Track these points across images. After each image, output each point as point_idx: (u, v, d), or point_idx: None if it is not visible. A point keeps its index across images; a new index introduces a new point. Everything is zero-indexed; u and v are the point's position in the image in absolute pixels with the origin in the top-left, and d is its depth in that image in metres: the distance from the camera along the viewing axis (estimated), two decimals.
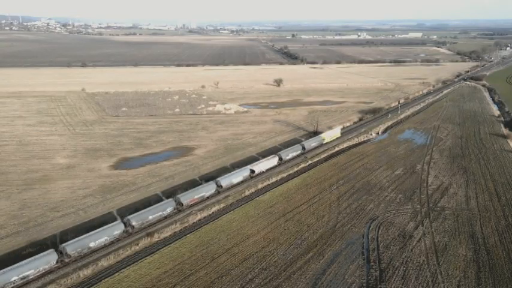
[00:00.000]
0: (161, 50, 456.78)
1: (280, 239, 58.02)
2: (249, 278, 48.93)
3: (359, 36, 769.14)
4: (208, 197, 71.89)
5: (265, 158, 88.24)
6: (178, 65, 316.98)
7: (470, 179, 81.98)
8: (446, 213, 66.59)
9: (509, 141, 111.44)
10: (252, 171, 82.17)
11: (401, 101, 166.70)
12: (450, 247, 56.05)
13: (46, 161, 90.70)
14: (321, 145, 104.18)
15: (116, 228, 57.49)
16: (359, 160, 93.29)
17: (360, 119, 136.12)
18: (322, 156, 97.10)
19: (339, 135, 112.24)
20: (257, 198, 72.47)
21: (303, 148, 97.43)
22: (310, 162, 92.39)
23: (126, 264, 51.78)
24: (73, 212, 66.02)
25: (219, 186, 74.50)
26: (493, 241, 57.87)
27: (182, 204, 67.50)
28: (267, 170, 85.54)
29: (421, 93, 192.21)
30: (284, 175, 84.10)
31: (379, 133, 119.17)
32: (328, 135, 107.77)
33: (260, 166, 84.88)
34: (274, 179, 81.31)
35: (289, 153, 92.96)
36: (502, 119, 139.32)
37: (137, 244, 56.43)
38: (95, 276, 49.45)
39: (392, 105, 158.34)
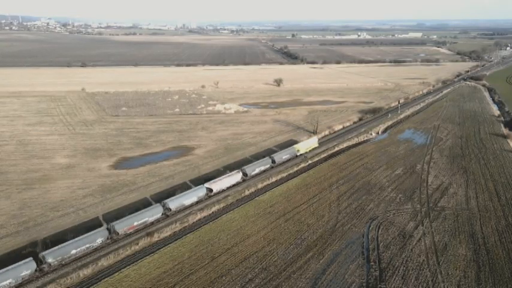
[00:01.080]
0: (161, 50, 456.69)
1: (280, 238, 58.01)
2: (249, 277, 48.91)
3: (359, 36, 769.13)
4: (153, 222, 62.22)
5: (227, 174, 78.24)
6: (178, 65, 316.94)
7: (470, 179, 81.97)
8: (446, 213, 66.58)
9: (509, 141, 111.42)
10: (210, 189, 72.57)
11: (401, 100, 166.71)
12: (450, 247, 56.04)
13: (46, 160, 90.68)
14: (295, 157, 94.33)
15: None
16: (359, 160, 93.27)
17: (360, 119, 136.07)
18: (322, 156, 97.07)
19: (316, 145, 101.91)
20: (257, 198, 72.44)
21: (273, 161, 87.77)
22: (310, 162, 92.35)
23: (126, 264, 51.77)
24: (73, 211, 66.00)
25: (167, 209, 64.68)
26: (493, 241, 57.86)
27: (118, 233, 57.92)
28: (229, 188, 75.69)
29: (421, 93, 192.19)
30: (284, 175, 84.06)
31: (379, 133, 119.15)
32: (303, 146, 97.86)
33: (219, 184, 74.60)
34: (274, 179, 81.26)
35: (255, 168, 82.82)
36: (502, 118, 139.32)
37: (137, 244, 56.42)
38: (95, 275, 49.45)
39: (392, 105, 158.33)
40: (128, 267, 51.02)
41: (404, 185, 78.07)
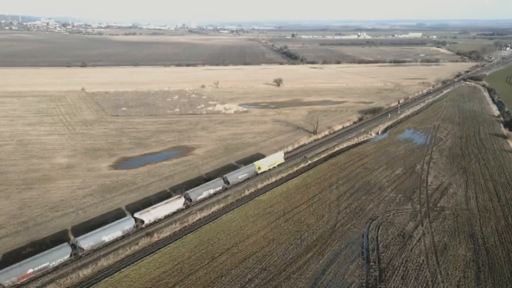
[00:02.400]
0: (161, 50, 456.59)
1: (279, 238, 58.01)
2: (249, 277, 48.92)
3: (359, 36, 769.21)
4: (57, 266, 50.99)
5: (164, 201, 65.56)
6: (178, 65, 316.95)
7: (470, 179, 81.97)
8: (446, 213, 66.59)
9: (509, 141, 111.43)
10: (141, 221, 60.73)
11: (401, 101, 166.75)
12: (450, 247, 56.06)
13: (46, 160, 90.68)
14: (255, 176, 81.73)
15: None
16: (359, 160, 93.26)
17: (360, 119, 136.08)
18: (322, 156, 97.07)
19: (282, 160, 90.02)
20: (257, 198, 72.44)
21: (226, 182, 75.65)
22: (310, 162, 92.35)
23: (126, 264, 51.78)
24: (72, 211, 66.00)
25: (79, 248, 53.06)
26: (492, 241, 57.88)
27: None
28: (166, 217, 63.96)
29: (420, 93, 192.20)
30: (284, 175, 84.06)
31: (379, 133, 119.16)
32: (266, 163, 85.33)
33: (154, 213, 62.60)
34: (274, 179, 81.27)
35: (202, 192, 70.48)
36: (502, 119, 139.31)
37: (137, 244, 56.44)
38: (95, 275, 49.45)
39: (392, 105, 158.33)
40: (128, 267, 51.04)
41: (404, 185, 78.07)
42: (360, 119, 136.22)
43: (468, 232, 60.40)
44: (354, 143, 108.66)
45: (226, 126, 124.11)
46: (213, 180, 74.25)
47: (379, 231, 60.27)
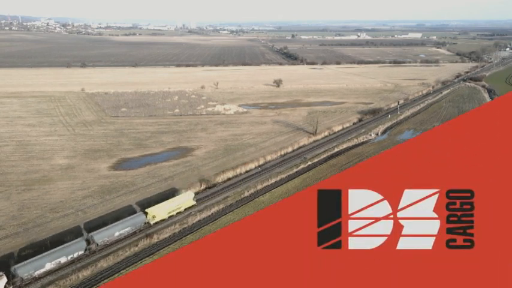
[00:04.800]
0: (161, 50, 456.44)
1: None
2: None
3: (359, 36, 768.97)
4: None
5: None
6: (178, 65, 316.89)
7: None
8: None
9: None
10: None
11: (401, 101, 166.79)
12: None
13: (45, 161, 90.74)
14: (148, 227, 61.92)
15: None
16: (359, 161, 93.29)
17: (360, 120, 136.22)
18: (322, 157, 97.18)
19: (192, 203, 68.90)
20: (256, 199, 72.56)
21: (90, 242, 54.99)
22: (309, 163, 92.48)
23: (126, 266, 51.83)
24: (72, 212, 66.05)
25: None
26: None
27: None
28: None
29: (420, 94, 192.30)
30: (283, 176, 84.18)
31: (379, 134, 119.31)
32: (164, 209, 64.34)
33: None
34: (273, 180, 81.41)
35: (31, 270, 48.60)
36: None
37: (136, 245, 56.54)
38: (94, 277, 49.48)
39: (392, 105, 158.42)
40: (127, 268, 51.05)
41: None
42: (360, 120, 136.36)
43: None
44: (354, 143, 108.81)
45: (226, 127, 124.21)
46: (67, 244, 53.47)
47: None
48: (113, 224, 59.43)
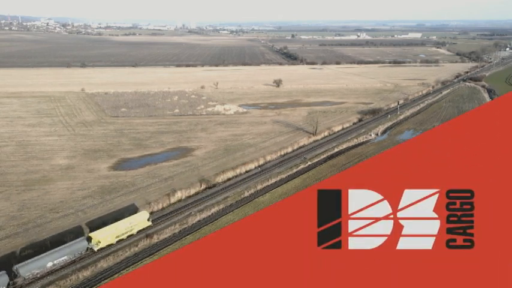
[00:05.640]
0: (161, 50, 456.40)
1: None
2: None
3: (358, 36, 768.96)
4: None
5: None
6: (178, 65, 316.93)
7: None
8: None
9: None
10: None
11: (401, 101, 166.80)
12: None
13: (45, 161, 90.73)
14: (92, 255, 54.57)
15: None
16: (359, 161, 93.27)
17: (360, 120, 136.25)
18: (322, 157, 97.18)
19: (147, 224, 61.25)
20: (256, 199, 72.58)
21: (15, 275, 47.84)
22: (309, 163, 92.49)
23: (125, 266, 51.83)
24: (72, 213, 66.05)
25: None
26: None
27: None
28: None
29: (420, 94, 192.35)
30: (283, 176, 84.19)
31: (379, 134, 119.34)
32: (111, 232, 56.78)
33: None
34: (273, 180, 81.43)
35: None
36: None
37: (136, 245, 56.54)
38: (94, 277, 49.47)
39: (392, 106, 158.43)
40: (127, 269, 51.04)
41: None
42: (360, 120, 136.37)
43: None
44: (354, 144, 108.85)
45: (226, 127, 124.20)
46: None
47: None
48: (47, 253, 50.88)
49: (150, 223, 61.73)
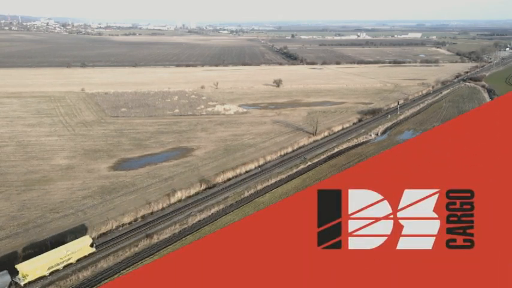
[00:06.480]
0: (161, 50, 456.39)
1: None
2: None
3: (358, 36, 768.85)
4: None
5: None
6: (178, 65, 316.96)
7: None
8: None
9: None
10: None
11: (401, 101, 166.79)
12: None
13: (45, 161, 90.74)
14: None
15: None
16: (359, 161, 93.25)
17: (360, 120, 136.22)
18: (322, 157, 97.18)
19: (90, 250, 53.86)
20: (256, 199, 72.58)
21: None
22: (309, 163, 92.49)
23: (126, 266, 51.82)
24: (72, 213, 66.06)
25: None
26: None
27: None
28: None
29: (420, 94, 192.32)
30: (283, 176, 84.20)
31: (379, 134, 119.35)
32: (41, 264, 49.06)
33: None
34: (273, 180, 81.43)
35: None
36: None
37: (136, 246, 56.52)
38: (94, 277, 49.46)
39: (392, 106, 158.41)
40: (127, 269, 51.04)
41: None
42: (360, 120, 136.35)
43: None
44: (354, 144, 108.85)
45: (226, 127, 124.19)
46: None
47: None
48: None
49: (93, 249, 54.00)
